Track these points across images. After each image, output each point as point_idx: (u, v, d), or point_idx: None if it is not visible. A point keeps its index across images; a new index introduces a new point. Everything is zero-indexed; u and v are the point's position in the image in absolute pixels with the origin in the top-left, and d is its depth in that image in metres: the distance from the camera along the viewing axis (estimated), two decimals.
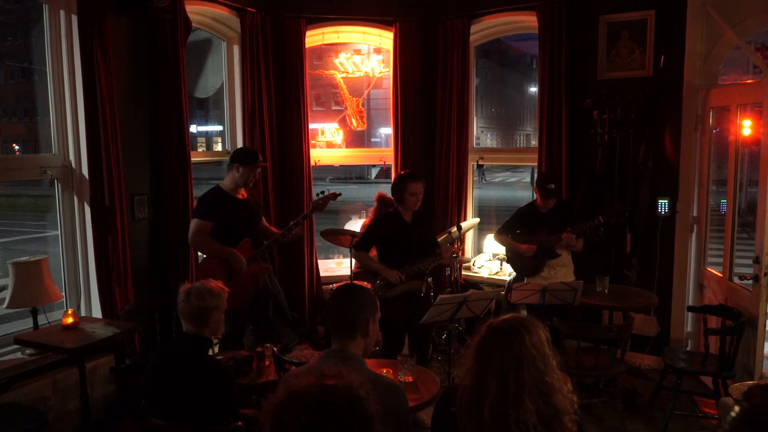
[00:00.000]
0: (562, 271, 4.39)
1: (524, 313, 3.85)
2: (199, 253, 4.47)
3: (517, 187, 24.33)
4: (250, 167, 4.00)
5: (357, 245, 4.08)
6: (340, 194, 4.28)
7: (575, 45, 4.91)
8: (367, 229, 4.13)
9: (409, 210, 3.90)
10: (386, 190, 4.73)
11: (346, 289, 2.26)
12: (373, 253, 4.16)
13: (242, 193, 4.07)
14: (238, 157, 4.02)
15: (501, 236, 4.58)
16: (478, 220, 5.55)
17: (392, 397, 1.96)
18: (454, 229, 4.97)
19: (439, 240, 4.87)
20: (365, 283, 4.53)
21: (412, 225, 3.91)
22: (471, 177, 5.74)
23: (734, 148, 4.20)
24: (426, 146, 5.67)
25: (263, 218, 4.37)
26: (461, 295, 3.61)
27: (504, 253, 5.26)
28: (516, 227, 4.52)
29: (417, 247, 3.90)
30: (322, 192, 4.24)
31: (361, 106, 6.10)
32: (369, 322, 2.13)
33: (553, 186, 4.30)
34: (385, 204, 4.94)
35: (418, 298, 3.93)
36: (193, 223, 3.96)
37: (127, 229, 4.01)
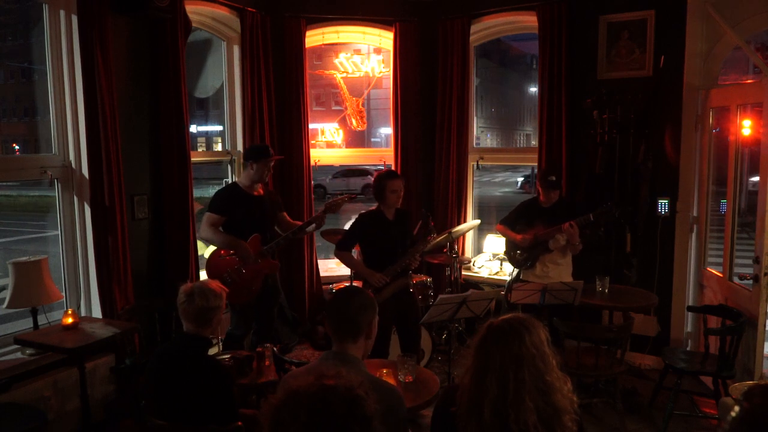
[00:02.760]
0: (555, 270, 4.37)
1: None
2: (205, 251, 4.48)
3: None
4: (263, 162, 4.07)
5: (339, 244, 4.01)
6: (354, 197, 4.27)
7: (575, 45, 4.91)
8: (349, 228, 4.08)
9: (391, 207, 3.89)
10: None
11: (349, 291, 2.27)
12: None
13: (258, 190, 4.14)
14: (249, 155, 4.13)
15: (501, 226, 4.60)
16: (478, 221, 5.54)
17: (389, 400, 1.94)
18: (455, 228, 4.98)
19: (438, 240, 4.87)
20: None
21: (395, 223, 3.89)
22: (471, 177, 5.73)
23: (734, 148, 4.20)
24: (426, 146, 5.67)
25: (285, 213, 4.41)
26: (461, 295, 3.61)
27: (503, 251, 5.26)
28: (517, 219, 4.54)
29: (400, 245, 3.88)
30: (340, 192, 4.25)
31: (361, 106, 6.10)
32: (371, 324, 2.14)
33: (554, 177, 4.30)
34: None
35: (406, 295, 3.94)
36: (205, 216, 4.05)
37: (127, 229, 4.01)
